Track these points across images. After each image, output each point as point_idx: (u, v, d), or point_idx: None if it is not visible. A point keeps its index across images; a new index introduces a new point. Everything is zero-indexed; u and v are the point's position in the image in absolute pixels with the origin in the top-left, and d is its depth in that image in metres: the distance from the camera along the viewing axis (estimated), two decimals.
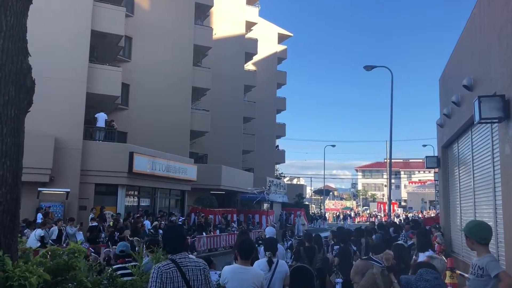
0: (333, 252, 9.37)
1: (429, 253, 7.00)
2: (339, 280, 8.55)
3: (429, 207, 60.80)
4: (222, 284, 4.71)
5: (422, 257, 6.47)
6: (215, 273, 6.25)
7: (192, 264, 3.65)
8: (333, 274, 8.83)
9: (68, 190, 18.34)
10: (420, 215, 48.15)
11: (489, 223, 8.70)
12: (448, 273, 5.11)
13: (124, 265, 6.35)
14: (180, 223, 21.24)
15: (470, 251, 6.45)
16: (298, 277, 7.12)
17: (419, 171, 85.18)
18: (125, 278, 4.87)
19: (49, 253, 4.31)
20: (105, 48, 22.56)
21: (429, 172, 55.93)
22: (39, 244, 12.94)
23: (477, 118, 6.87)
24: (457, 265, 8.59)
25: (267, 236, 8.11)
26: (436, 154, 15.54)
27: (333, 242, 10.25)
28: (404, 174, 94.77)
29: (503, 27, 7.05)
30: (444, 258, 5.93)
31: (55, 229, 14.19)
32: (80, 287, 4.17)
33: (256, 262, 6.16)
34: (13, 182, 3.82)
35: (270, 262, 6.01)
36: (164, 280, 3.47)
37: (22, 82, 3.95)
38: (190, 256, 3.96)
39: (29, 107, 4.13)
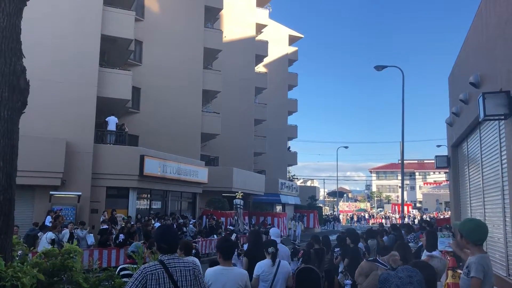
0: (335, 253, 9.29)
1: (436, 253, 6.90)
2: (348, 281, 8.45)
3: (445, 208, 59.97)
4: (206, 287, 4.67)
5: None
6: None
7: (180, 264, 3.59)
8: (342, 275, 8.76)
9: (80, 193, 18.50)
10: (434, 216, 47.58)
11: (497, 223, 8.57)
12: (450, 272, 5.00)
13: (129, 265, 6.36)
14: (191, 225, 21.26)
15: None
16: (303, 278, 7.08)
17: (434, 172, 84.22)
18: (125, 279, 4.88)
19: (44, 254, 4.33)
20: (115, 52, 22.75)
21: (444, 173, 55.31)
22: (50, 247, 13.03)
23: (481, 115, 6.75)
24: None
25: (271, 237, 8.08)
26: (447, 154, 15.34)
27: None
28: (419, 175, 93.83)
29: (508, 23, 6.93)
30: (448, 258, 5.81)
31: (66, 232, 14.31)
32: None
33: (258, 263, 6.13)
34: (6, 183, 3.84)
35: (274, 256, 5.99)
36: (149, 282, 3.39)
37: (15, 83, 3.98)
38: (187, 257, 3.92)
39: (23, 108, 4.15)
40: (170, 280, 3.45)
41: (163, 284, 3.42)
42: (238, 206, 20.85)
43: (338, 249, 9.29)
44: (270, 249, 6.06)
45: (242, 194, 18.24)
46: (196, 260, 3.95)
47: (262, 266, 6.00)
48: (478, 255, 3.99)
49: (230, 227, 23.09)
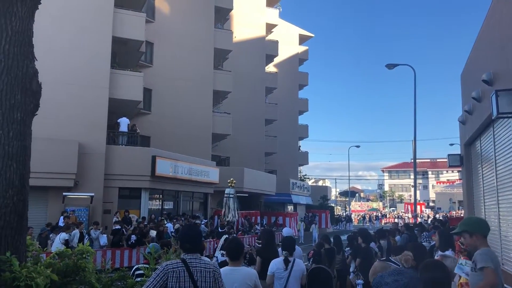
0: (345, 253, 9.25)
1: (449, 252, 6.83)
2: (360, 281, 8.42)
3: (458, 207, 59.36)
4: None
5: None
6: None
7: (201, 265, 3.62)
8: (354, 275, 8.73)
9: (93, 194, 18.65)
10: (447, 215, 47.10)
11: None
12: None
13: (142, 265, 6.41)
14: (203, 225, 21.32)
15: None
16: (315, 278, 7.07)
17: (447, 171, 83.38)
18: (138, 279, 4.91)
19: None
20: (127, 54, 22.90)
21: (457, 171, 54.79)
22: (63, 247, 13.18)
23: (494, 113, 6.67)
24: None
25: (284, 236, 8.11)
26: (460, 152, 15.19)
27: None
28: (432, 174, 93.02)
29: None
30: (461, 258, 5.75)
31: (76, 232, 14.45)
32: None
33: (272, 261, 6.18)
34: (20, 184, 3.89)
35: (286, 261, 6.03)
36: (170, 279, 3.44)
37: (28, 86, 4.03)
38: (203, 258, 3.94)
39: (36, 110, 4.19)
40: (190, 279, 3.49)
41: (183, 283, 3.46)
42: (230, 196, 19.15)
43: (349, 248, 9.25)
44: (285, 253, 6.11)
45: (234, 182, 17.53)
46: (213, 263, 3.93)
47: (277, 263, 6.08)
48: (482, 248, 3.94)
49: (240, 228, 23.05)
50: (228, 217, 19.74)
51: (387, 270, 4.08)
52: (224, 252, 9.16)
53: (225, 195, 17.90)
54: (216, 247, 19.44)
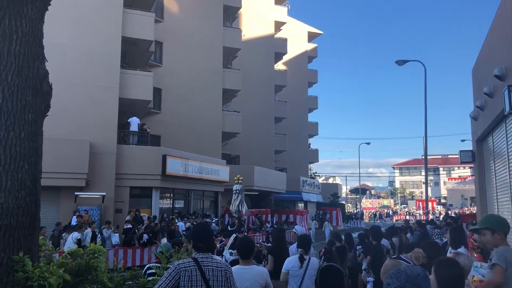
0: (357, 251, 9.21)
1: (462, 249, 6.76)
2: (371, 279, 8.38)
3: (470, 204, 58.84)
4: None
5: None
6: None
7: (213, 264, 3.63)
8: (365, 272, 8.69)
9: (104, 193, 18.76)
10: (459, 212, 46.73)
11: None
12: None
13: (153, 264, 6.42)
14: (214, 223, 21.37)
15: None
16: (326, 276, 7.04)
17: (458, 167, 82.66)
18: (149, 278, 4.93)
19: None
20: (136, 54, 23.00)
21: (469, 168, 54.34)
22: (76, 246, 13.29)
23: (507, 108, 6.59)
24: None
25: (298, 234, 8.11)
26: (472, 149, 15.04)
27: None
28: (443, 170, 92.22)
29: None
30: (475, 255, 5.69)
31: (88, 231, 14.56)
32: (101, 287, 4.23)
33: (287, 258, 6.19)
34: (32, 184, 3.92)
35: (301, 259, 6.03)
36: (182, 278, 3.45)
37: (39, 87, 4.05)
38: (214, 256, 3.94)
39: (47, 111, 4.22)
40: (202, 278, 3.50)
41: (195, 282, 3.47)
42: (238, 192, 18.83)
43: (360, 246, 9.21)
44: (300, 251, 6.09)
45: (241, 178, 17.41)
46: (225, 262, 3.92)
47: (292, 261, 6.08)
48: (501, 247, 3.91)
49: (252, 226, 22.99)
50: (233, 211, 19.70)
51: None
52: (232, 251, 9.16)
53: (234, 192, 17.79)
54: (224, 246, 19.57)
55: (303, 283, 5.95)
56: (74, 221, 15.97)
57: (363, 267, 8.88)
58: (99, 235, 15.29)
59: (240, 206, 18.80)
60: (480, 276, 5.23)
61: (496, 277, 3.73)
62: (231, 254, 9.09)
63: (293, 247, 8.08)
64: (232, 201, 19.67)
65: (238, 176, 17.73)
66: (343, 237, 9.58)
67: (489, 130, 11.57)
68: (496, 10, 9.86)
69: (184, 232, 17.45)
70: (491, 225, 4.10)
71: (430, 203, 42.79)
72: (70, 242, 13.66)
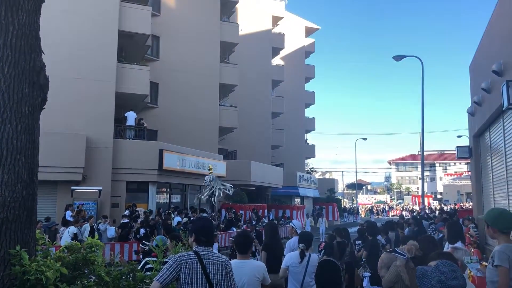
0: (356, 247, 9.23)
1: (459, 244, 6.78)
2: (367, 273, 8.39)
3: (466, 199, 59.12)
4: None
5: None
6: None
7: (214, 258, 3.65)
8: (361, 267, 8.70)
9: (101, 188, 18.74)
10: (454, 207, 46.98)
11: None
12: None
13: (151, 258, 6.40)
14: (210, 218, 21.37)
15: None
16: (323, 270, 7.05)
17: (454, 163, 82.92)
18: (147, 273, 4.91)
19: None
20: (133, 48, 22.90)
21: (466, 163, 54.50)
22: (72, 241, 13.28)
23: (505, 103, 6.60)
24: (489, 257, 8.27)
25: (298, 230, 8.11)
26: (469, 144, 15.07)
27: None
28: (440, 166, 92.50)
29: None
30: (472, 250, 5.72)
31: (86, 226, 14.54)
32: (98, 281, 4.22)
33: (288, 254, 6.19)
34: (28, 178, 3.89)
35: (302, 254, 6.03)
36: (183, 270, 3.48)
37: (35, 80, 4.01)
38: (214, 251, 3.94)
39: (44, 104, 4.18)
40: (202, 271, 3.53)
41: (195, 274, 3.50)
42: (209, 182, 17.85)
43: (360, 242, 9.23)
44: (301, 246, 6.10)
45: (211, 167, 16.76)
46: (224, 257, 3.93)
47: (293, 257, 6.09)
48: (503, 244, 3.91)
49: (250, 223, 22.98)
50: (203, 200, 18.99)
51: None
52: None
53: (204, 182, 16.48)
54: (225, 239, 19.57)
55: (304, 280, 5.96)
56: (68, 216, 15.94)
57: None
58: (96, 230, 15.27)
59: (213, 199, 17.53)
60: (474, 270, 5.27)
61: (502, 280, 3.74)
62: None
63: (290, 242, 8.09)
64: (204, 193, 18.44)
65: (210, 166, 17.15)
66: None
67: (486, 125, 11.60)
68: (495, 6, 9.85)
69: (181, 227, 17.41)
70: (486, 218, 4.14)
71: (426, 199, 42.94)
72: (66, 236, 13.63)
